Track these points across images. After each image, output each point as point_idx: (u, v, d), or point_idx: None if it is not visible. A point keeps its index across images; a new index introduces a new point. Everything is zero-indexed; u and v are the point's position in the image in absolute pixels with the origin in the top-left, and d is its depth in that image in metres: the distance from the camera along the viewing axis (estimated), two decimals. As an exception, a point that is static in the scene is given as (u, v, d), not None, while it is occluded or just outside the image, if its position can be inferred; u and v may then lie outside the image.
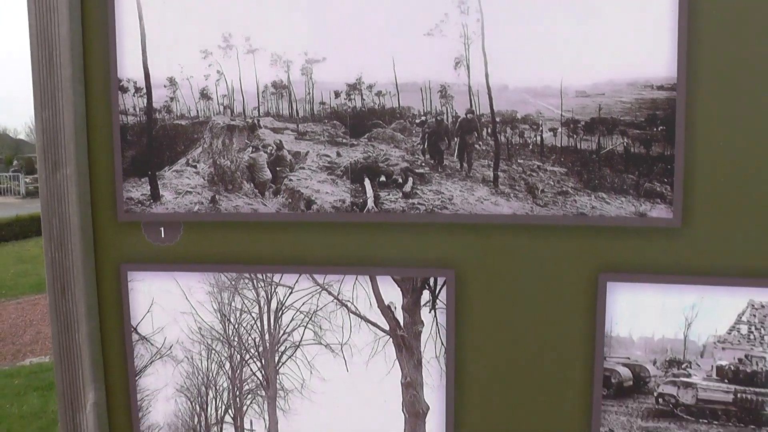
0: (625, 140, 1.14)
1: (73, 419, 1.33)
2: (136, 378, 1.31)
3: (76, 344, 1.28)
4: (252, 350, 1.27)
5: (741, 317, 1.18)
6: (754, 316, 1.17)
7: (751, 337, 1.18)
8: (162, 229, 1.25)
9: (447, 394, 1.22)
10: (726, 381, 1.20)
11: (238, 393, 1.29)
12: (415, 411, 1.24)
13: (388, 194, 1.19)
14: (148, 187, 1.24)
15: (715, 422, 1.21)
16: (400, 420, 1.25)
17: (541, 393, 1.21)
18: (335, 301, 1.22)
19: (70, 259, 1.25)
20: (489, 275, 1.19)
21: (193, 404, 1.31)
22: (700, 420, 1.21)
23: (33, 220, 14.24)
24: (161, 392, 1.31)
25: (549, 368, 1.20)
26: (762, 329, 1.18)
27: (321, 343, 1.24)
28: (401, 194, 1.19)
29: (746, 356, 1.19)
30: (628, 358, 1.20)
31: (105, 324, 1.29)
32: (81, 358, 1.29)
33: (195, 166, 1.25)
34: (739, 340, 1.18)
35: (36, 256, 11.25)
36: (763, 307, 1.17)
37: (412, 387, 1.24)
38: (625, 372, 1.20)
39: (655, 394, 1.20)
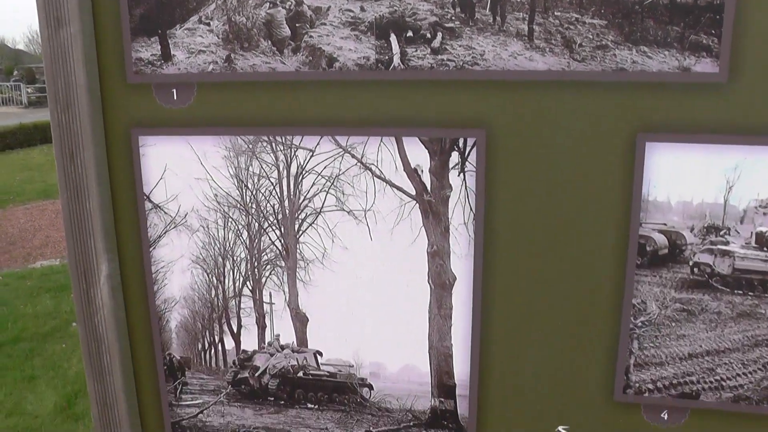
0: (674, -15, 1.05)
1: (87, 293, 1.29)
2: (150, 249, 1.27)
3: (87, 213, 1.23)
4: (271, 218, 1.22)
5: (786, 181, 1.12)
6: (800, 179, 1.12)
7: (795, 202, 1.13)
8: (174, 90, 1.18)
9: (475, 263, 1.18)
10: (765, 249, 1.15)
11: (256, 264, 1.25)
12: (441, 281, 1.20)
13: (416, 50, 1.12)
14: (158, 47, 1.17)
15: (750, 293, 1.16)
16: (425, 291, 1.21)
17: (572, 261, 1.17)
18: (359, 164, 1.16)
19: (78, 122, 1.18)
20: (521, 135, 1.13)
21: (210, 276, 1.27)
22: (735, 291, 1.16)
23: (37, 128, 14.26)
24: (176, 264, 1.27)
25: (582, 235, 1.15)
26: (807, 194, 1.12)
27: (343, 210, 1.19)
28: (429, 50, 1.11)
29: (789, 222, 1.14)
30: (665, 224, 1.14)
31: (116, 192, 1.24)
32: (92, 228, 1.24)
33: (208, 24, 1.17)
34: (783, 206, 1.13)
35: (41, 164, 11.38)
36: (812, 169, 1.11)
37: (438, 256, 1.19)
38: (661, 239, 1.15)
39: (691, 263, 1.16)
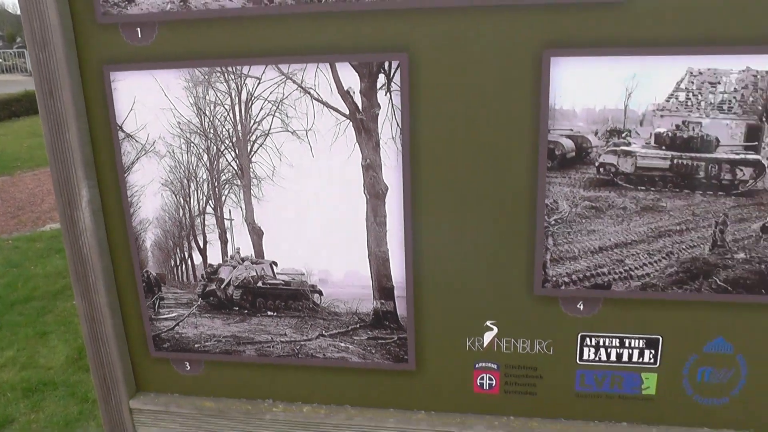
0: None
1: (71, 216, 1.46)
2: (125, 175, 1.44)
3: (68, 144, 1.41)
4: (227, 141, 1.38)
5: (679, 85, 1.25)
6: (692, 83, 1.24)
7: (689, 103, 1.25)
8: (138, 29, 1.35)
9: (404, 173, 1.33)
10: (663, 147, 1.28)
11: (216, 183, 1.41)
12: (375, 192, 1.35)
13: (344, -16, 1.27)
14: (123, -11, 1.33)
15: (652, 189, 1.29)
16: (362, 200, 1.36)
17: (489, 168, 1.31)
18: (299, 89, 1.32)
19: (54, 60, 1.35)
20: (440, 57, 1.27)
21: (178, 197, 1.44)
22: (639, 187, 1.29)
23: (43, 95, 14.18)
24: (148, 187, 1.44)
25: (497, 143, 1.29)
26: (699, 95, 1.25)
27: (288, 130, 1.35)
28: (356, -17, 1.26)
29: (683, 122, 1.26)
30: (571, 130, 1.28)
31: (92, 124, 1.41)
32: (73, 158, 1.42)
33: (166, -29, 1.33)
34: (677, 107, 1.26)
35: (49, 131, 11.49)
36: (701, 73, 1.24)
37: (371, 168, 1.34)
38: (568, 143, 1.29)
39: (597, 164, 1.29)
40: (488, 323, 1.39)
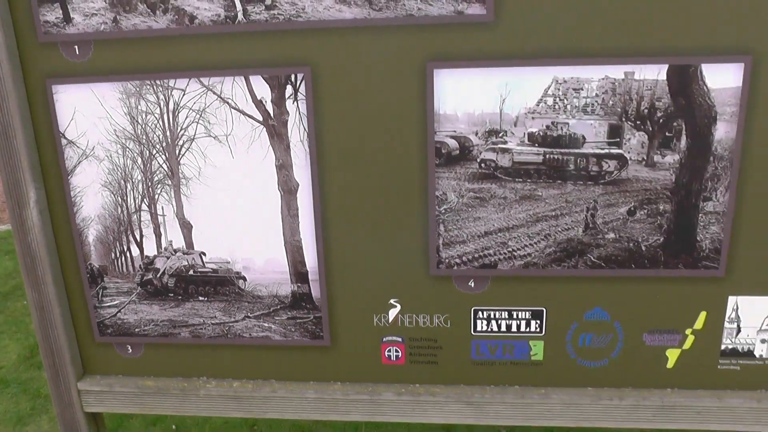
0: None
1: (21, 215, 1.63)
2: (69, 177, 1.61)
3: (15, 150, 1.58)
4: (158, 146, 1.56)
5: (547, 91, 1.45)
6: (558, 89, 1.45)
7: (556, 106, 1.46)
8: (76, 47, 1.52)
9: (312, 172, 1.51)
10: (536, 145, 1.48)
11: (150, 184, 1.59)
12: (288, 188, 1.54)
13: (254, 7, 1.45)
14: (60, 11, 1.51)
15: (529, 180, 1.49)
16: (277, 196, 1.54)
17: (386, 165, 1.50)
18: (219, 99, 1.50)
19: (1, 74, 1.52)
20: (338, 69, 1.46)
21: (116, 196, 1.61)
22: (516, 179, 1.49)
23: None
24: (89, 188, 1.61)
25: (392, 144, 1.48)
26: (565, 100, 1.45)
27: (211, 136, 1.53)
28: (264, 7, 1.45)
29: (553, 123, 1.46)
30: (455, 131, 1.48)
31: (38, 132, 1.58)
32: (20, 162, 1.58)
33: (100, -4, 1.51)
34: (546, 110, 1.46)
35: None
36: (565, 81, 1.44)
37: (284, 168, 1.53)
38: (453, 143, 1.49)
39: (478, 160, 1.49)
40: (392, 301, 1.58)
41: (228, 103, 1.50)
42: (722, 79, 1.40)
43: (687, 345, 1.57)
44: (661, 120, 1.44)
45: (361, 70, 1.46)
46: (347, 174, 1.51)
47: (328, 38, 1.45)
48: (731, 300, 1.55)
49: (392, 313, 1.59)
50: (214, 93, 1.50)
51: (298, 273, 1.58)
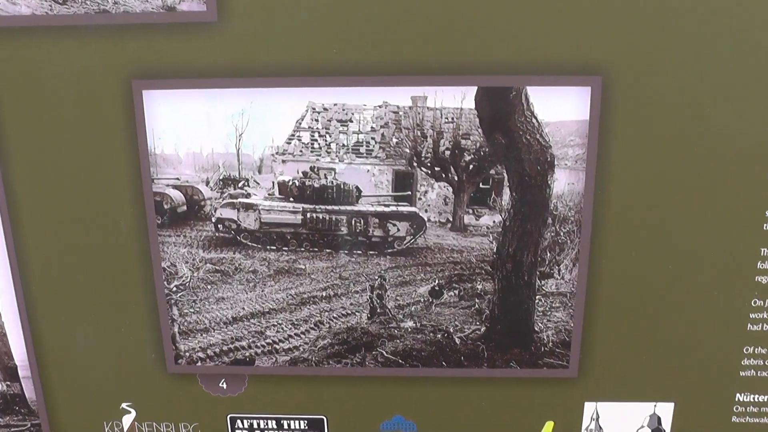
0: None
1: None
2: None
3: None
4: None
5: (300, 123, 1.00)
6: (317, 120, 1.00)
7: (315, 145, 1.01)
8: None
9: (5, 238, 1.10)
10: (291, 199, 1.04)
11: None
12: None
13: None
14: None
15: (285, 248, 1.06)
16: None
17: (97, 227, 1.07)
18: None
19: None
20: (20, 92, 1.03)
21: None
22: (268, 247, 1.06)
23: None
24: None
25: (99, 197, 1.05)
26: (327, 136, 1.00)
27: None
28: None
29: (312, 168, 1.02)
30: (179, 179, 1.04)
31: None
32: None
33: None
34: (301, 150, 1.02)
35: None
36: (326, 109, 0.99)
37: None
38: (177, 195, 1.05)
39: (214, 219, 1.05)
40: (124, 405, 1.17)
41: None
42: (560, 108, 0.93)
43: (530, 464, 1.14)
44: (471, 166, 0.98)
45: (48, 89, 1.02)
46: (49, 243, 1.09)
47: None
48: (589, 406, 1.10)
49: (127, 421, 1.18)
50: None
51: (5, 367, 1.18)
